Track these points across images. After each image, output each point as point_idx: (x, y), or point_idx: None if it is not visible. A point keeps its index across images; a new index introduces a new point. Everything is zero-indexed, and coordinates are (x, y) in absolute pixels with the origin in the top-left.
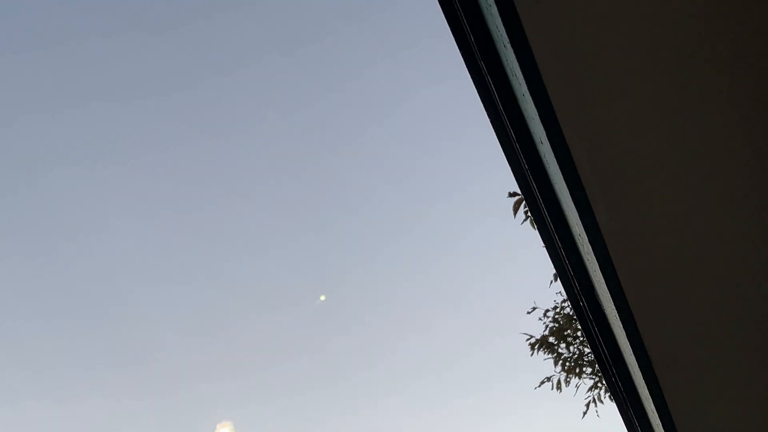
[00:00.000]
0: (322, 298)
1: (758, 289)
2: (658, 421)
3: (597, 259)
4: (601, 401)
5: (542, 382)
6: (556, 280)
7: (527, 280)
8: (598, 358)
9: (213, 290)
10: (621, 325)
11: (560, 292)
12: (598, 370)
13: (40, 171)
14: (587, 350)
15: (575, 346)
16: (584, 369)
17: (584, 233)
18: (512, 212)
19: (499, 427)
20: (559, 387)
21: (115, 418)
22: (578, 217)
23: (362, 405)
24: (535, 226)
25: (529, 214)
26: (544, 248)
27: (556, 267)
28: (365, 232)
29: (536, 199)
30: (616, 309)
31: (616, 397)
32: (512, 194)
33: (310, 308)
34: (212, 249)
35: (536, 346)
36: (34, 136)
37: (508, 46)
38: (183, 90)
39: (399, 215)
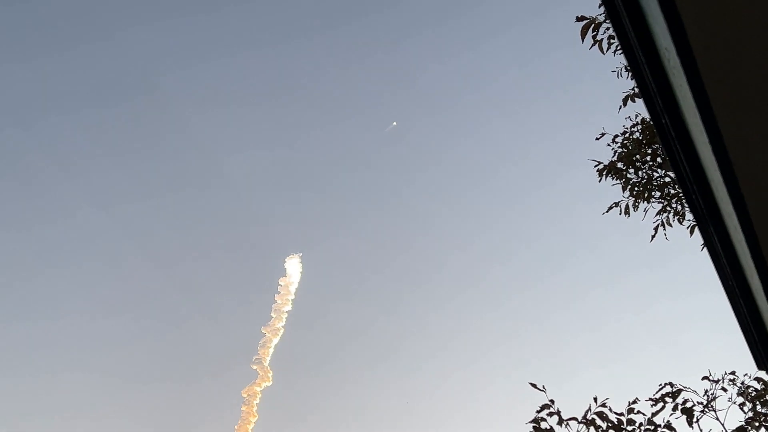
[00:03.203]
0: (394, 123)
1: None
2: (741, 237)
3: (684, 72)
4: (670, 224)
5: (610, 208)
6: (625, 105)
7: (593, 108)
8: (679, 176)
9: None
10: (706, 141)
11: (629, 117)
12: (667, 194)
13: None
14: (656, 174)
15: (644, 171)
16: (653, 193)
17: (672, 47)
18: (580, 37)
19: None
20: (627, 212)
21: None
22: (666, 30)
23: (421, 238)
24: (605, 50)
25: (597, 38)
26: (627, 68)
27: (639, 85)
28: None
29: (621, 16)
30: (703, 124)
31: (696, 215)
32: (580, 18)
33: (382, 133)
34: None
35: (604, 172)
36: None
37: None
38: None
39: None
